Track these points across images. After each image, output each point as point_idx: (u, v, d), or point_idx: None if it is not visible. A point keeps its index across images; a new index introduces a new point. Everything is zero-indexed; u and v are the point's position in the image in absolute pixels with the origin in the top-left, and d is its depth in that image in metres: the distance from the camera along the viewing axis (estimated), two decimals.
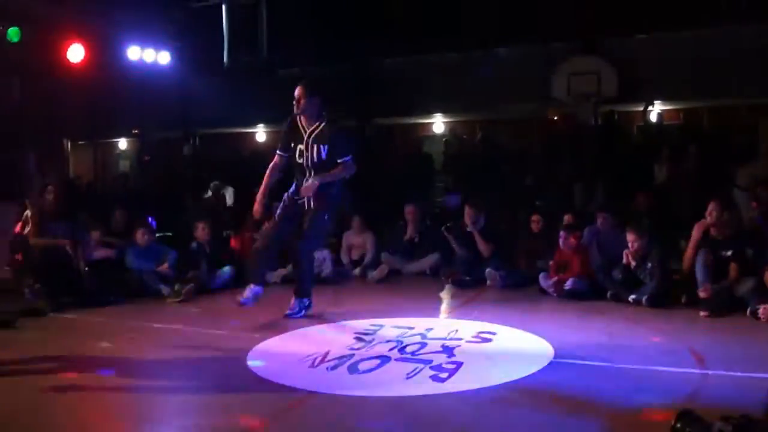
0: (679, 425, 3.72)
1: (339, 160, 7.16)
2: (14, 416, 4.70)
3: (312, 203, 7.17)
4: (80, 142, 20.91)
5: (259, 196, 7.32)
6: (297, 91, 7.12)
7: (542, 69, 14.57)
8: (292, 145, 7.20)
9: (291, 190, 7.32)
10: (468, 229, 9.63)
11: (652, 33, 14.59)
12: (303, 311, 7.38)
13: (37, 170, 6.80)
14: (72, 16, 11.47)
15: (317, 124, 7.16)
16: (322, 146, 7.09)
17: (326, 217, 7.31)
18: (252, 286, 7.20)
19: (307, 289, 7.45)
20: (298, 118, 7.20)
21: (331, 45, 16.14)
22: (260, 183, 7.38)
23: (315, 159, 7.10)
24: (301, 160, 7.17)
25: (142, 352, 6.44)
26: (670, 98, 15.41)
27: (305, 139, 7.14)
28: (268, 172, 7.39)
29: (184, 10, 14.70)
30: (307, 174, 7.15)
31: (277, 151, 7.39)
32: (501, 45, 16.01)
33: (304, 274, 7.47)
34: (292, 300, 7.40)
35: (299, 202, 7.21)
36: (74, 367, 6.05)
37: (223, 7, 14.87)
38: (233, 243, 10.54)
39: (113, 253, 9.23)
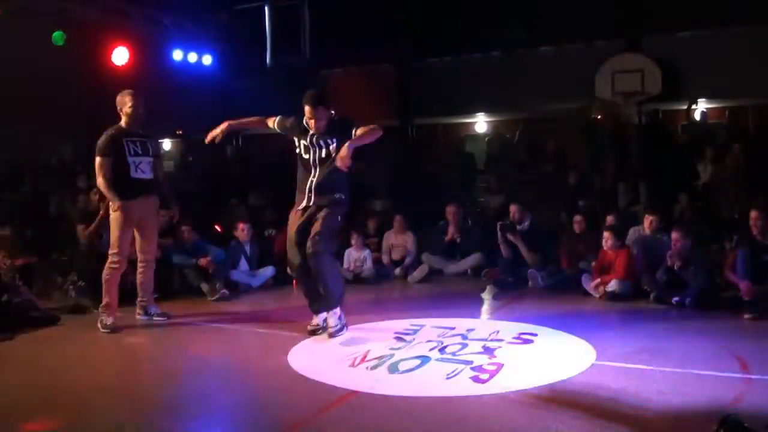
0: (721, 431, 3.67)
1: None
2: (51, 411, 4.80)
3: (321, 205, 6.57)
4: None
5: (227, 123, 6.85)
6: (307, 113, 6.52)
7: (586, 67, 14.43)
8: (295, 139, 6.70)
9: (299, 206, 6.68)
10: (518, 228, 9.59)
11: (696, 30, 14.39)
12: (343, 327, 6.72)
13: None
14: (116, 20, 11.63)
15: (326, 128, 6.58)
16: (329, 140, 6.53)
17: (338, 218, 6.70)
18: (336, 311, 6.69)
19: (338, 299, 6.72)
20: (305, 120, 6.61)
21: (374, 45, 16.15)
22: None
23: (323, 155, 6.55)
24: (307, 156, 6.63)
25: (184, 350, 6.53)
26: (715, 96, 15.17)
27: (309, 137, 6.61)
28: (254, 118, 7.03)
29: (226, 12, 14.82)
30: (315, 171, 6.58)
31: (277, 119, 6.92)
32: (544, 43, 15.91)
33: (333, 282, 6.63)
34: (325, 317, 6.73)
35: (309, 207, 6.62)
36: (115, 364, 6.17)
37: (266, 8, 14.93)
38: (275, 243, 10.61)
39: (158, 252, 9.36)
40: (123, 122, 7.23)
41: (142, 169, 7.18)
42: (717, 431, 3.67)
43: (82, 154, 15.45)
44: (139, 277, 7.49)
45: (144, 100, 7.33)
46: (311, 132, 6.57)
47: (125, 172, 7.09)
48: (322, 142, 6.56)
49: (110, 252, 7.15)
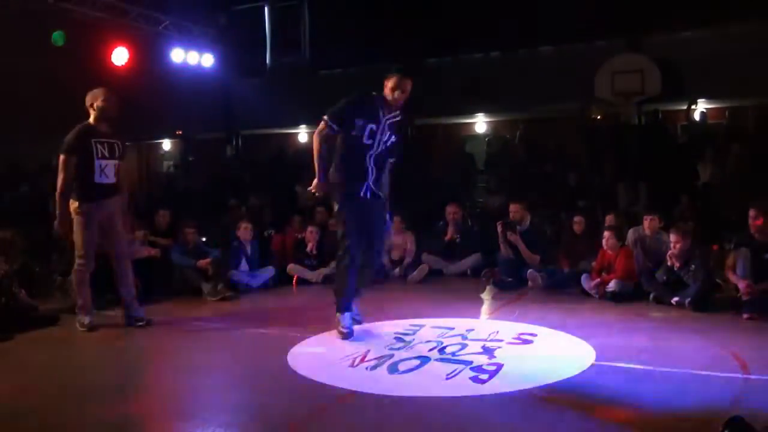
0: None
1: (391, 160, 6.58)
2: (42, 414, 4.80)
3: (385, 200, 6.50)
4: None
5: (320, 173, 6.35)
6: (410, 86, 6.22)
7: (585, 68, 14.45)
8: (360, 123, 6.22)
9: (362, 190, 6.38)
10: (518, 228, 9.57)
11: (696, 30, 14.42)
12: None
13: None
14: (116, 20, 11.63)
15: (397, 111, 6.38)
16: (393, 135, 6.36)
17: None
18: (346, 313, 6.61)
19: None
20: (376, 99, 6.30)
21: (373, 45, 16.17)
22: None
23: (383, 147, 6.34)
24: (369, 141, 6.27)
25: (183, 350, 6.53)
26: (715, 96, 15.19)
27: (382, 120, 6.27)
28: (321, 146, 6.34)
29: (226, 13, 14.84)
30: (368, 160, 6.32)
31: (331, 124, 6.28)
32: (544, 44, 15.93)
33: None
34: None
35: (375, 199, 6.45)
36: (114, 364, 6.16)
37: (265, 8, 14.97)
38: (275, 243, 10.61)
39: (157, 252, 9.35)
40: (92, 119, 6.98)
41: (106, 173, 6.96)
42: None
43: None
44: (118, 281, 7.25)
45: (118, 99, 7.08)
46: (384, 116, 6.28)
47: (89, 174, 6.89)
48: (389, 133, 6.34)
49: (76, 255, 6.97)
